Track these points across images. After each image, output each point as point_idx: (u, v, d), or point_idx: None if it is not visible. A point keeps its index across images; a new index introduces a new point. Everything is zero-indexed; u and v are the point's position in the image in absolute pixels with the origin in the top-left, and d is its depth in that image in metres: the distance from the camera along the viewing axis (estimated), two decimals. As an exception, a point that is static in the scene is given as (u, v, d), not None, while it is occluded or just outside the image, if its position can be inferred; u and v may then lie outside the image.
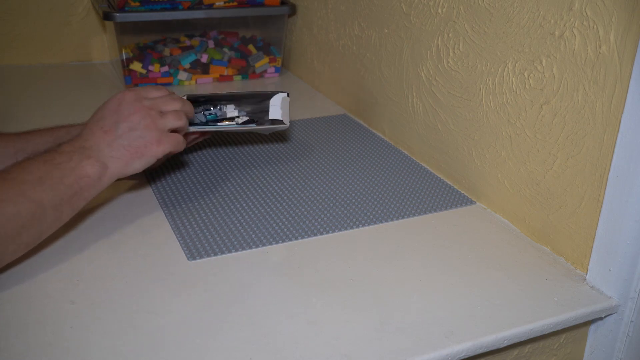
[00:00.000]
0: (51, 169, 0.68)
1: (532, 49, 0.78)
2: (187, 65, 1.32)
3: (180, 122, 0.78)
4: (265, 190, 0.91)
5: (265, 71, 1.40)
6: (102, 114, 0.75)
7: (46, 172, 0.68)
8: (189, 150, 1.02)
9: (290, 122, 1.15)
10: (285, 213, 0.85)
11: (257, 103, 0.92)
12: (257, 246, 0.77)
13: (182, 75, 1.33)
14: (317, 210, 0.86)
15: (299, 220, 0.83)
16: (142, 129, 0.75)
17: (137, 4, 1.24)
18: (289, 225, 0.82)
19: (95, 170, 0.72)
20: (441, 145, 0.97)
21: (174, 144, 0.78)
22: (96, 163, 0.72)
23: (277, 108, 0.91)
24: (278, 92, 0.92)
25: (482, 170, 0.89)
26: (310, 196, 0.90)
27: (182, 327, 0.63)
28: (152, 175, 0.93)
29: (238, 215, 0.84)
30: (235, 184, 0.92)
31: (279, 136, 1.09)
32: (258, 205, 0.86)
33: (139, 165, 0.75)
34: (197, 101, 0.89)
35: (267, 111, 0.91)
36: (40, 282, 0.69)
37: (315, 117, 1.18)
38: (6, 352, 0.59)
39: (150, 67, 1.30)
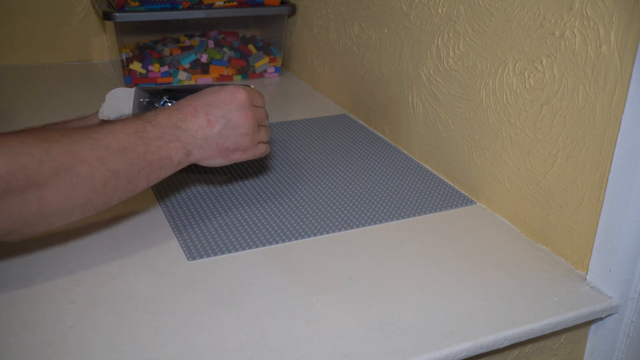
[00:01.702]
0: (138, 142, 0.67)
1: (532, 48, 0.78)
2: (187, 65, 1.32)
3: (268, 138, 0.81)
4: (265, 190, 0.91)
5: (265, 71, 1.40)
6: (213, 100, 0.74)
7: (132, 144, 0.66)
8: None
9: (291, 122, 1.15)
10: (285, 213, 0.85)
11: None
12: (257, 246, 0.77)
13: (182, 75, 1.32)
14: (317, 210, 0.86)
15: (299, 220, 0.83)
16: (242, 135, 0.75)
17: (137, 3, 1.24)
18: (288, 225, 0.82)
19: (180, 155, 0.71)
20: (441, 145, 0.97)
21: (257, 154, 0.79)
22: (183, 149, 0.71)
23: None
24: (225, 84, 0.86)
25: (482, 170, 0.89)
26: (310, 196, 0.90)
27: (182, 327, 0.63)
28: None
29: (238, 215, 0.84)
30: (235, 184, 0.92)
31: (279, 136, 1.09)
32: (258, 205, 0.86)
33: (218, 163, 0.76)
34: (155, 93, 0.86)
35: None
36: (40, 282, 0.69)
37: (315, 117, 1.18)
38: (6, 352, 0.59)
39: (150, 67, 1.30)
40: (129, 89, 0.82)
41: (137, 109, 0.82)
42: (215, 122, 0.73)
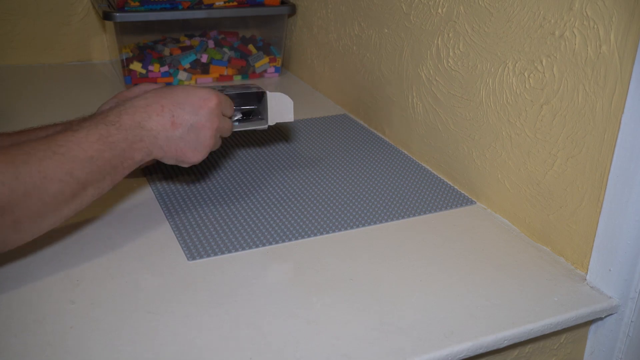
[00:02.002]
0: (103, 148, 0.67)
1: (532, 48, 0.78)
2: (187, 65, 1.32)
3: (217, 147, 0.81)
4: (265, 190, 0.91)
5: (265, 71, 1.40)
6: (183, 102, 0.73)
7: (98, 151, 0.66)
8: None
9: (291, 122, 1.15)
10: (285, 213, 0.85)
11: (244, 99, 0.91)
12: (257, 246, 0.77)
13: (182, 75, 1.32)
14: (317, 210, 0.86)
15: (299, 220, 0.83)
16: (202, 142, 0.75)
17: (137, 3, 1.24)
18: (288, 225, 0.82)
19: (142, 155, 0.71)
20: (441, 145, 0.97)
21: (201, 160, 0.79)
22: (145, 149, 0.71)
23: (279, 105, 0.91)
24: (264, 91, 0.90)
25: (482, 170, 0.89)
26: (310, 196, 0.90)
27: (182, 327, 0.63)
28: (151, 175, 0.93)
29: (238, 215, 0.84)
30: (235, 184, 0.92)
31: (279, 136, 1.09)
32: (258, 205, 0.86)
33: (172, 162, 0.76)
34: None
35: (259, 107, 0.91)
36: (40, 282, 0.69)
37: (315, 117, 1.18)
38: (6, 352, 0.59)
39: (150, 67, 1.30)
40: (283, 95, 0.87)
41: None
42: (180, 124, 0.73)
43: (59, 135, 0.66)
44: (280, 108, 0.92)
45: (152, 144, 0.72)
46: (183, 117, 0.73)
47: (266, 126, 0.90)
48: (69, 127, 0.68)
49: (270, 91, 0.89)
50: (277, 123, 0.93)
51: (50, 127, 0.84)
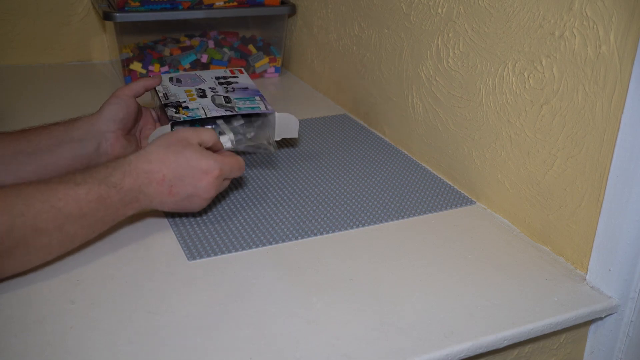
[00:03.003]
0: (99, 207, 0.68)
1: (532, 49, 0.78)
2: (187, 65, 1.32)
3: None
4: (264, 190, 0.91)
5: (265, 71, 1.40)
6: (182, 174, 0.74)
7: (93, 209, 0.68)
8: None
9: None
10: (285, 213, 0.85)
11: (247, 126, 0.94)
12: (257, 246, 0.77)
13: (182, 75, 1.32)
14: (317, 210, 0.86)
15: (299, 220, 0.83)
16: (194, 207, 0.78)
17: (137, 4, 1.24)
18: (289, 225, 0.82)
19: (134, 212, 0.74)
20: (441, 145, 0.97)
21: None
22: (139, 208, 0.73)
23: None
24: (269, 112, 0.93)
25: (482, 170, 0.89)
26: (310, 196, 0.90)
27: (182, 327, 0.63)
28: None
29: (238, 215, 0.84)
30: (235, 184, 0.92)
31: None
32: (258, 205, 0.86)
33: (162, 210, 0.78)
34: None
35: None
36: (40, 282, 0.69)
37: (315, 117, 1.18)
38: (6, 352, 0.59)
39: (150, 67, 1.30)
40: (166, 127, 0.86)
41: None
42: (177, 194, 0.75)
43: (61, 186, 0.66)
44: (286, 126, 0.95)
45: (146, 205, 0.74)
46: (181, 188, 0.75)
47: (272, 150, 0.92)
48: (71, 177, 0.68)
49: (277, 111, 0.92)
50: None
51: (53, 125, 0.85)
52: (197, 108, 0.91)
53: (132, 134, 0.92)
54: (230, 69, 1.03)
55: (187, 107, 0.91)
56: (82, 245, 0.75)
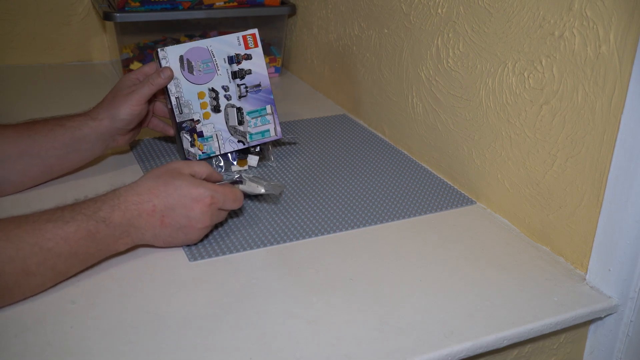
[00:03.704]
0: (89, 244, 0.67)
1: (532, 49, 0.78)
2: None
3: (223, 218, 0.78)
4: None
5: (265, 71, 1.40)
6: (172, 204, 0.71)
7: (83, 247, 0.67)
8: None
9: (291, 122, 1.16)
10: (285, 213, 0.85)
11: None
12: (257, 247, 0.77)
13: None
14: (317, 210, 0.86)
15: (299, 221, 0.83)
16: (190, 238, 0.75)
17: (137, 4, 1.24)
18: (289, 226, 0.82)
19: (126, 247, 0.72)
20: (441, 145, 0.97)
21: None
22: (130, 243, 0.71)
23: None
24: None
25: (482, 170, 0.89)
26: (310, 196, 0.90)
27: (182, 327, 0.64)
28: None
29: (239, 215, 0.84)
30: (235, 184, 0.92)
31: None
32: (258, 206, 0.86)
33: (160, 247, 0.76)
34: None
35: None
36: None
37: (315, 117, 1.18)
38: (6, 352, 0.59)
39: (150, 67, 1.29)
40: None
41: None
42: (169, 225, 0.72)
43: (49, 224, 0.65)
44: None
45: (138, 239, 0.72)
46: (173, 218, 0.72)
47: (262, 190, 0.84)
48: (59, 214, 0.67)
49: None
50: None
51: (58, 127, 0.85)
52: (212, 137, 0.92)
53: (135, 131, 0.93)
54: (244, 35, 0.95)
55: (201, 134, 0.92)
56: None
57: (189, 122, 0.91)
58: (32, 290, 0.66)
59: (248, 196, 0.86)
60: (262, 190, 0.81)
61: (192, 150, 0.92)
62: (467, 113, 0.90)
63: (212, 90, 0.93)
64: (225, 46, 0.94)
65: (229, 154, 0.96)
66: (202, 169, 0.76)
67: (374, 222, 0.84)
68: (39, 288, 0.66)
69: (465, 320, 0.67)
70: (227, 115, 0.93)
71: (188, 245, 0.76)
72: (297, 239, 0.79)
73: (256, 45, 0.96)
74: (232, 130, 0.93)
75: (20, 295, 0.65)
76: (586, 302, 0.71)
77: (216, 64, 0.93)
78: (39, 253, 0.64)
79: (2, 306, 0.64)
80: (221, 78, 0.94)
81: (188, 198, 0.72)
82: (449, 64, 0.93)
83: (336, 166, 0.99)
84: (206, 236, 0.78)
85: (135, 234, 0.71)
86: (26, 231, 0.64)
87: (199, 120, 0.92)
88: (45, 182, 0.88)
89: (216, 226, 0.81)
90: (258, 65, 0.96)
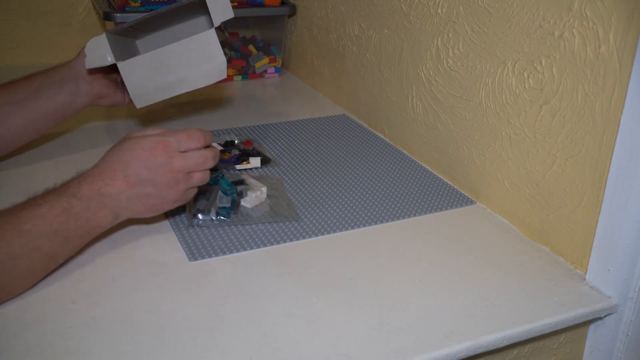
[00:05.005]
0: (68, 220, 0.67)
1: (531, 49, 0.78)
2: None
3: (204, 182, 0.77)
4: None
5: (265, 71, 1.40)
6: (127, 160, 0.71)
7: (62, 224, 0.67)
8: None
9: (291, 122, 1.16)
10: (285, 213, 0.85)
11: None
12: (257, 246, 0.77)
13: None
14: (317, 211, 0.86)
15: (299, 220, 0.83)
16: (164, 190, 0.73)
17: (138, 4, 1.24)
18: (289, 225, 0.82)
19: (108, 221, 0.72)
20: (441, 145, 0.97)
21: (188, 199, 0.77)
22: (110, 214, 0.71)
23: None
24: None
25: (481, 170, 0.89)
26: (309, 196, 0.90)
27: (182, 327, 0.64)
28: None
29: (238, 215, 0.84)
30: (235, 184, 0.92)
31: (279, 136, 1.09)
32: (258, 206, 0.86)
33: (149, 215, 0.75)
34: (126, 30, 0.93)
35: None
36: (40, 282, 0.69)
37: (315, 117, 1.18)
38: (6, 352, 0.59)
39: (151, 67, 1.29)
40: (101, 37, 0.90)
41: (117, 51, 0.91)
42: (135, 182, 0.72)
43: (24, 211, 0.66)
44: (220, 6, 0.87)
45: (116, 207, 0.71)
46: (135, 173, 0.72)
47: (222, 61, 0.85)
48: (32, 201, 0.68)
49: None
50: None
51: (35, 74, 0.92)
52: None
53: (113, 78, 0.96)
54: None
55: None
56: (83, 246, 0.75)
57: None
58: (24, 278, 0.66)
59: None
60: (264, 191, 0.80)
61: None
62: (467, 113, 0.90)
63: None
64: None
65: (231, 159, 0.95)
66: (155, 131, 0.75)
67: (374, 222, 0.84)
68: (31, 275, 0.66)
69: (465, 320, 0.67)
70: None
71: (179, 214, 0.77)
72: (297, 239, 0.79)
73: None
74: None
75: (12, 283, 0.65)
76: (586, 302, 0.71)
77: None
78: (20, 236, 0.64)
79: (1, 300, 0.65)
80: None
81: (139, 150, 0.72)
82: (448, 64, 0.93)
83: (336, 166, 0.99)
84: (206, 236, 0.78)
85: (111, 202, 0.71)
86: (2, 220, 0.65)
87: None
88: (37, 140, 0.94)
89: (217, 226, 0.81)
90: None
